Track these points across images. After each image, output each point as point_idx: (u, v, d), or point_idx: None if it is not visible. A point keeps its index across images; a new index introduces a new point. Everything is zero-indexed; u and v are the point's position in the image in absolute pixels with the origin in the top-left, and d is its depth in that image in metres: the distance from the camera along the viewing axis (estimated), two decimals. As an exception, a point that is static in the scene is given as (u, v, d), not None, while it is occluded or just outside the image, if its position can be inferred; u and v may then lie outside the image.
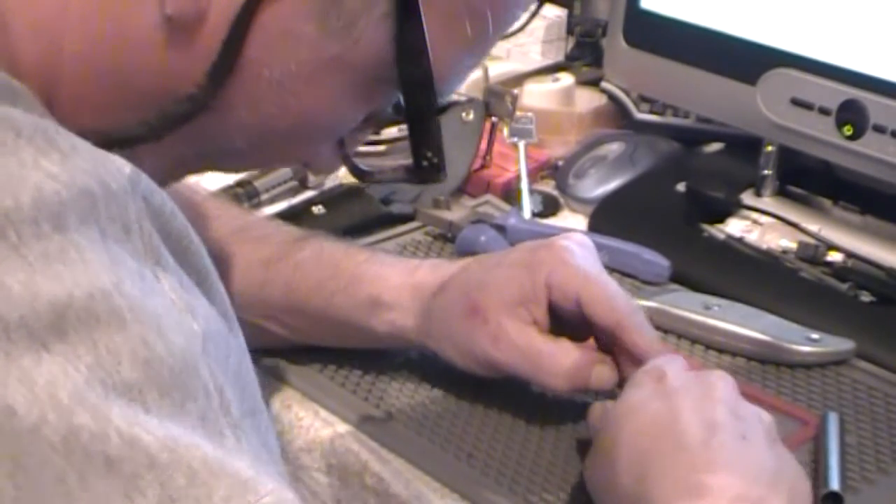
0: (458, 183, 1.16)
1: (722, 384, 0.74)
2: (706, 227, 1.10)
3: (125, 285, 0.45)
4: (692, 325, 0.96)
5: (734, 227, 1.10)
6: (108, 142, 0.55)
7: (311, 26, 0.58)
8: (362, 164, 0.70)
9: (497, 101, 1.13)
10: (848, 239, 1.06)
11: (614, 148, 1.22)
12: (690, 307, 0.96)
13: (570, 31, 1.43)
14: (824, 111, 1.01)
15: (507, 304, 0.82)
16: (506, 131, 1.18)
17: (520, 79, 1.36)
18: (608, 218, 1.12)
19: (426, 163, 0.64)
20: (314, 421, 0.86)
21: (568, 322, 0.83)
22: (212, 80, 0.58)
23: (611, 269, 0.87)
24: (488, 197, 1.16)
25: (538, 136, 1.19)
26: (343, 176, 1.12)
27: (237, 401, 0.47)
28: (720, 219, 1.11)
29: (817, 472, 0.79)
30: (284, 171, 1.13)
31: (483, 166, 1.19)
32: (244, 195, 1.11)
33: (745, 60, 1.06)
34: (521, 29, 1.34)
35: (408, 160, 0.64)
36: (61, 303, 0.43)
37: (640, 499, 0.68)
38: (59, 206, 0.45)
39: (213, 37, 0.57)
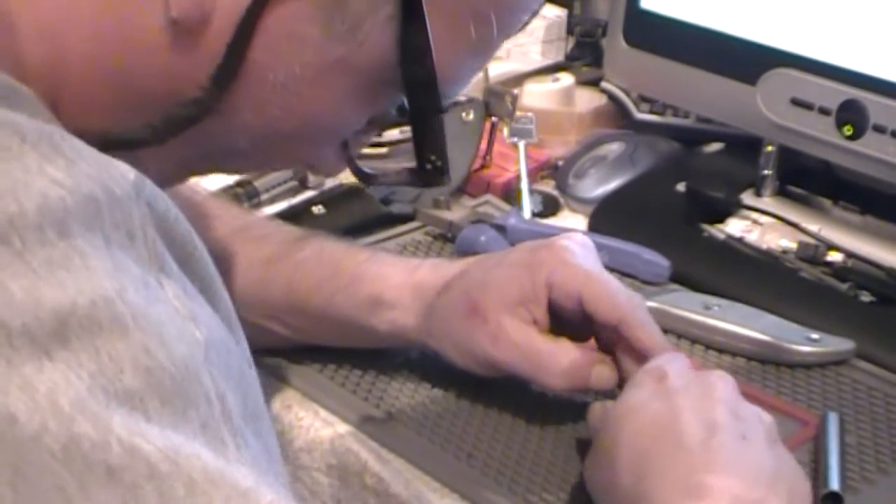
0: (458, 183, 1.16)
1: (722, 384, 0.74)
2: (706, 227, 1.10)
3: (128, 292, 0.45)
4: (692, 325, 0.96)
5: (734, 227, 1.10)
6: (113, 144, 0.55)
7: (316, 29, 0.58)
8: (365, 166, 0.70)
9: (497, 101, 1.12)
10: (848, 239, 1.06)
11: (614, 148, 1.22)
12: (690, 307, 0.97)
13: (570, 31, 1.43)
14: (824, 111, 1.01)
15: (507, 304, 0.82)
16: (506, 131, 1.18)
17: (520, 79, 1.36)
18: (608, 218, 1.12)
19: (430, 166, 0.64)
20: (314, 421, 0.86)
21: (568, 322, 0.83)
22: (216, 82, 0.58)
23: (611, 269, 0.87)
24: (488, 197, 1.16)
25: (538, 136, 1.19)
26: (343, 176, 1.12)
27: (239, 408, 0.47)
28: (720, 219, 1.11)
29: (817, 472, 0.79)
30: (284, 171, 1.13)
31: (483, 166, 1.19)
32: (244, 195, 1.11)
33: (745, 60, 1.06)
34: (521, 29, 1.33)
35: (411, 163, 0.64)
36: (64, 310, 0.43)
37: (640, 499, 0.68)
38: (64, 212, 0.45)
39: (217, 40, 0.57)
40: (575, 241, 0.85)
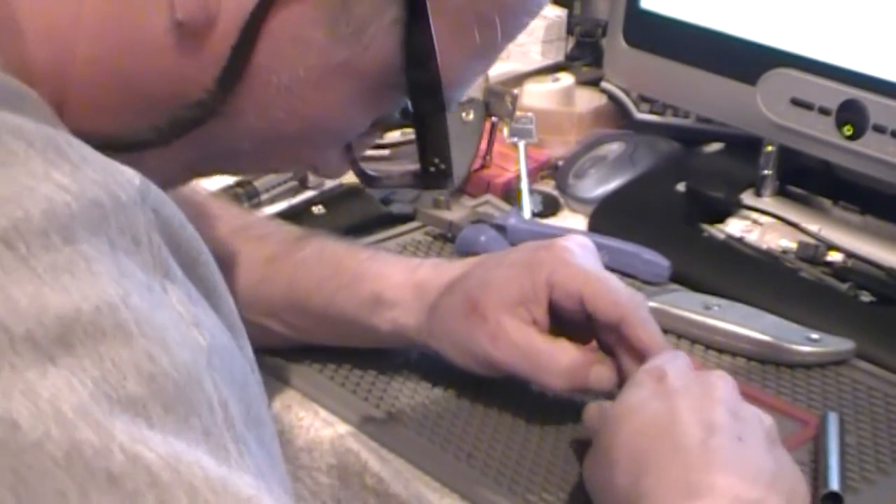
0: (459, 183, 1.16)
1: (722, 384, 0.74)
2: (706, 227, 1.10)
3: (132, 298, 0.45)
4: (692, 325, 0.96)
5: (734, 227, 1.10)
6: (118, 146, 0.55)
7: (321, 32, 0.58)
8: (368, 168, 0.70)
9: (497, 101, 1.12)
10: (848, 239, 1.06)
11: (614, 148, 1.22)
12: (690, 307, 0.97)
13: (570, 31, 1.43)
14: (824, 111, 1.01)
15: (507, 304, 0.82)
16: (506, 131, 1.18)
17: (520, 79, 1.36)
18: (608, 218, 1.12)
19: (433, 168, 0.64)
20: (314, 421, 0.87)
21: (568, 323, 0.83)
22: (221, 85, 0.58)
23: (611, 270, 0.87)
24: (488, 197, 1.16)
25: (538, 136, 1.19)
26: (343, 176, 1.12)
27: (242, 414, 0.46)
28: (720, 219, 1.11)
29: (817, 472, 0.80)
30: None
31: (483, 166, 1.19)
32: (244, 195, 1.11)
33: (745, 60, 1.06)
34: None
35: (414, 165, 0.64)
36: (69, 316, 0.43)
37: (639, 498, 0.68)
38: (69, 217, 0.45)
39: (222, 42, 0.58)
40: (575, 242, 0.85)
